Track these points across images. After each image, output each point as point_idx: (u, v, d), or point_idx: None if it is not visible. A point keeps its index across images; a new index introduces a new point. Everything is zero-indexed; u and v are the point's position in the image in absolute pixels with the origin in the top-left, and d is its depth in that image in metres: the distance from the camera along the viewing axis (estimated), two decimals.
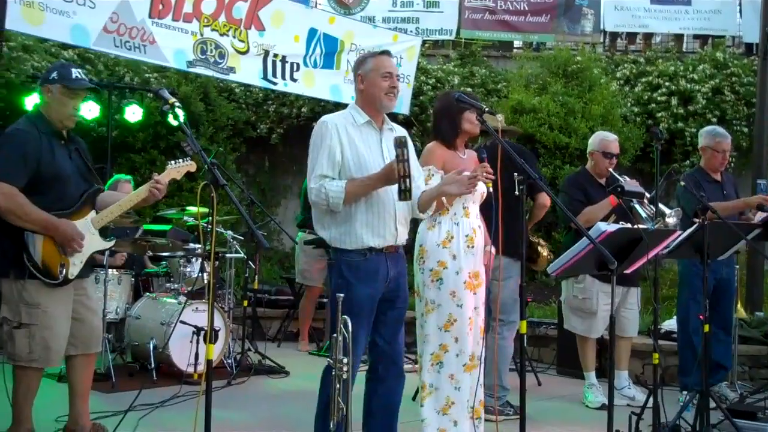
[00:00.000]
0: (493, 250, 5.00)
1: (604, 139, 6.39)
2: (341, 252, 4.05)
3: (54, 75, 4.32)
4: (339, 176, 4.03)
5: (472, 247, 4.77)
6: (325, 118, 4.18)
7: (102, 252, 4.64)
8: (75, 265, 4.34)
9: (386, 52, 4.28)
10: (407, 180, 3.72)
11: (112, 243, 4.63)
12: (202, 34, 7.50)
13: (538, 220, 6.24)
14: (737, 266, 6.82)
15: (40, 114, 4.39)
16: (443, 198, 4.67)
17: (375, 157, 4.10)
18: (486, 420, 4.98)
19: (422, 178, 4.50)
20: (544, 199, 5.94)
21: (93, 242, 4.43)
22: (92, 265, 4.70)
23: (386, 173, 3.93)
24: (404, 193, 3.75)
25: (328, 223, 4.09)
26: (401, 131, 4.32)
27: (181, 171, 4.69)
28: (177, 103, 3.80)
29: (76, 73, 4.35)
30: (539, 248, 6.36)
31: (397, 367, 4.28)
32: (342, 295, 3.74)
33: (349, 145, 4.06)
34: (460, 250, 4.73)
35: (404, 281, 4.29)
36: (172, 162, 4.68)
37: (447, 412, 4.72)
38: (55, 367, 4.38)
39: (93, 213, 4.44)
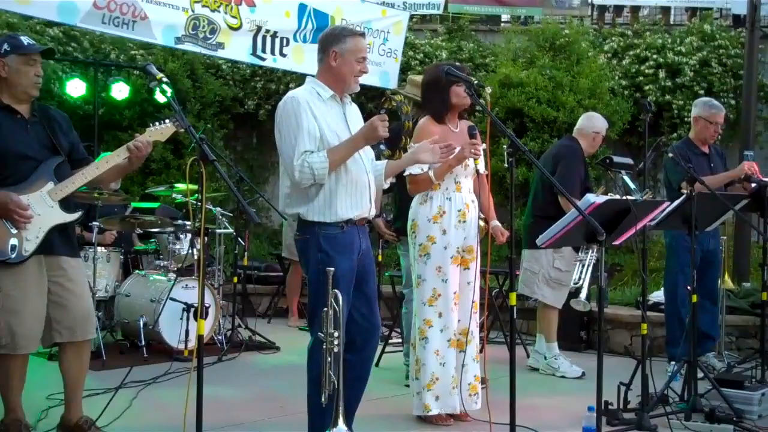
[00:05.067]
0: (482, 224, 5.02)
1: (593, 119, 6.61)
2: (318, 225, 3.98)
3: (6, 47, 4.16)
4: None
5: (464, 221, 4.79)
6: (293, 93, 4.10)
7: (66, 225, 4.20)
8: (29, 240, 4.03)
9: (363, 34, 4.22)
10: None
11: (76, 215, 4.26)
12: (193, 11, 7.41)
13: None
14: (724, 237, 6.87)
15: None
16: (431, 173, 4.69)
17: (342, 130, 4.07)
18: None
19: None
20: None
21: (51, 215, 4.11)
22: (72, 243, 4.38)
23: (365, 133, 3.95)
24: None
25: (306, 198, 4.01)
26: (356, 108, 4.32)
27: (164, 133, 4.28)
28: (165, 79, 3.72)
29: (26, 40, 4.22)
30: None
31: (375, 339, 4.25)
32: (332, 269, 3.73)
33: (321, 120, 4.01)
34: (450, 225, 4.76)
35: (372, 255, 4.26)
36: (156, 123, 4.29)
37: (431, 388, 4.75)
38: (28, 352, 4.14)
39: (50, 185, 4.12)
